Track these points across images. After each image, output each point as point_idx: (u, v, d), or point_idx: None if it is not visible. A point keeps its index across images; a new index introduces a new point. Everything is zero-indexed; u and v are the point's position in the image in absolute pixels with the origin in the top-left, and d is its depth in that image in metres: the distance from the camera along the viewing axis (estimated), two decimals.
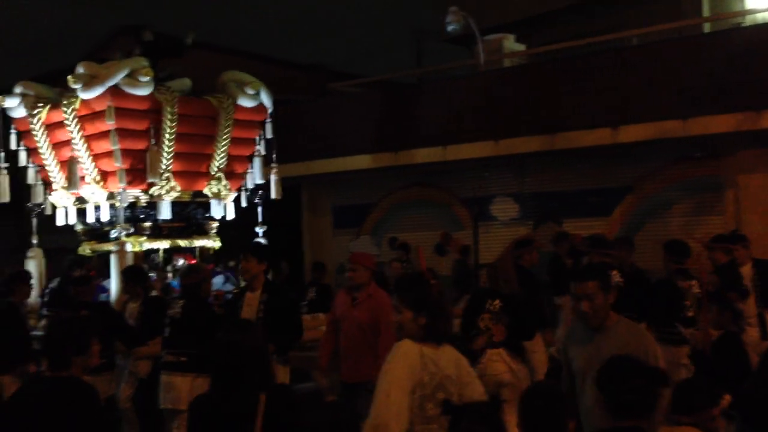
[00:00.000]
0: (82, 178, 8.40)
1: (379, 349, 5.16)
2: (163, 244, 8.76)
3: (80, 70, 8.25)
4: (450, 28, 13.50)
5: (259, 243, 8.68)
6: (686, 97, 10.22)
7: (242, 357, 3.10)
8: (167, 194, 8.45)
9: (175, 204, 8.62)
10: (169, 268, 9.07)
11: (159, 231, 8.73)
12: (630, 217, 11.65)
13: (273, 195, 9.53)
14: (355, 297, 5.54)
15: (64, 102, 8.30)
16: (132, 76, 8.11)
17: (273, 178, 9.53)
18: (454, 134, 12.18)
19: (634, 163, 11.52)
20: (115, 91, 8.04)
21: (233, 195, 9.29)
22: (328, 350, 5.84)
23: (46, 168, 8.87)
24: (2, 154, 8.89)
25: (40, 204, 9.23)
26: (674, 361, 6.12)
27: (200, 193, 8.97)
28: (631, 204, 11.67)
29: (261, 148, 9.45)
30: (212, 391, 3.19)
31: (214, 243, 9.25)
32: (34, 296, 8.53)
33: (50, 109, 8.54)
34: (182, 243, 8.91)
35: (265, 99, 9.27)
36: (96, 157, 8.37)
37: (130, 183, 8.26)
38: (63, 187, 8.71)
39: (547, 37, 14.52)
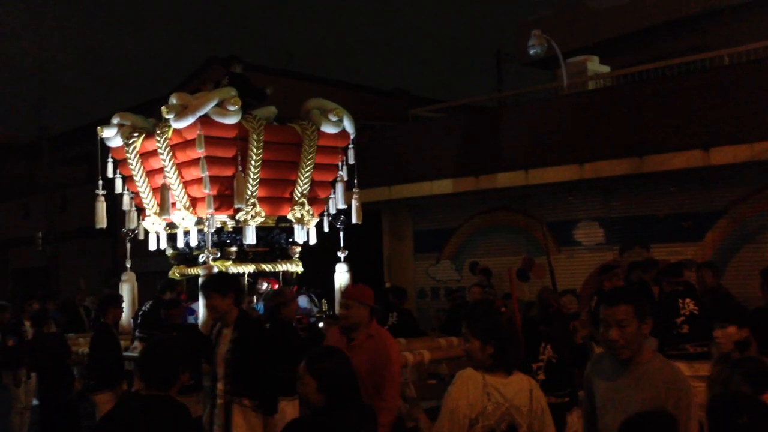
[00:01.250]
0: (173, 204, 8.69)
1: (384, 399, 4.44)
2: (248, 269, 8.95)
3: (173, 100, 8.57)
4: (532, 51, 13.42)
5: (220, 275, 7.59)
6: None
7: (342, 379, 3.16)
8: (252, 219, 8.64)
9: (259, 229, 8.80)
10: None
11: (244, 255, 8.92)
12: (723, 243, 11.19)
13: (354, 220, 9.61)
14: (352, 338, 4.58)
15: (158, 131, 8.63)
16: (221, 106, 8.38)
17: (354, 203, 9.61)
18: (537, 158, 12.03)
19: (726, 186, 11.08)
20: (205, 120, 8.31)
21: (316, 220, 9.41)
22: None
23: (140, 195, 9.22)
24: (100, 182, 9.32)
25: (134, 229, 9.59)
26: None
27: (284, 219, 9.14)
28: (723, 229, 11.20)
29: (343, 174, 9.55)
30: (315, 414, 3.18)
31: (297, 267, 9.38)
32: (126, 318, 8.87)
33: (144, 139, 8.90)
34: (266, 267, 9.07)
35: (348, 125, 9.40)
36: (186, 184, 8.66)
37: (218, 209, 8.48)
38: (155, 213, 9.02)
39: (632, 57, 14.23)
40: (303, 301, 9.66)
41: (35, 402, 7.33)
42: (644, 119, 11.02)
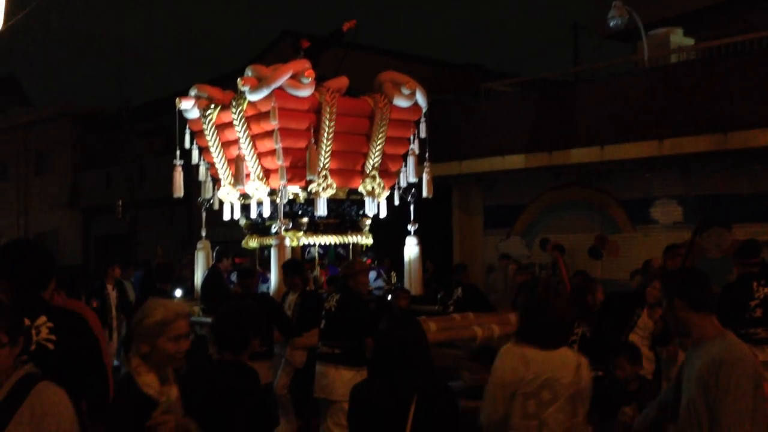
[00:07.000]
0: (247, 175, 8.84)
1: None
2: (318, 240, 9.06)
3: (248, 73, 8.70)
4: (613, 23, 12.97)
5: (292, 261, 7.83)
6: None
7: (406, 349, 3.17)
8: (324, 191, 8.72)
9: (330, 201, 8.88)
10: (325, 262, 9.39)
11: (315, 227, 9.04)
12: None
13: (424, 194, 9.58)
14: None
15: (233, 103, 8.78)
16: (295, 78, 8.44)
17: (425, 177, 9.57)
18: (614, 134, 11.72)
19: None
20: (279, 92, 8.40)
21: (386, 193, 9.42)
22: None
23: (215, 165, 9.42)
24: (178, 152, 9.56)
25: (209, 199, 9.82)
26: None
27: (355, 191, 9.19)
28: None
29: (415, 147, 9.52)
30: (372, 380, 3.26)
31: (367, 240, 9.44)
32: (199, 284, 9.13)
33: (220, 111, 9.06)
34: (336, 239, 9.17)
35: (420, 99, 9.34)
36: (260, 155, 8.79)
37: (290, 180, 8.60)
38: (230, 184, 9.21)
39: (718, 30, 13.61)
40: (371, 276, 9.71)
41: (116, 363, 7.65)
42: (730, 94, 10.57)
